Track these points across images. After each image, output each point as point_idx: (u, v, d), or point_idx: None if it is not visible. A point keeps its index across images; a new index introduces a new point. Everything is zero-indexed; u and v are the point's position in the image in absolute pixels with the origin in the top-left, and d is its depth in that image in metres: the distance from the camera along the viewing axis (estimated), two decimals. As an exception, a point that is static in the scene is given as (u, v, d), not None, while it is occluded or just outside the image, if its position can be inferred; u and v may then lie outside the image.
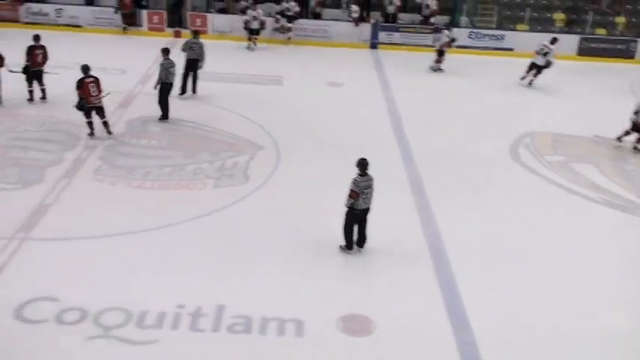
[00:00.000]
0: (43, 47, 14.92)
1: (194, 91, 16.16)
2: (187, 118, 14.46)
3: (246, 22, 20.63)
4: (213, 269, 9.14)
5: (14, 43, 15.82)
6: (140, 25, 21.67)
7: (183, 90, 15.92)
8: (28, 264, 9.04)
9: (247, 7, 21.43)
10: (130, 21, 21.53)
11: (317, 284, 8.94)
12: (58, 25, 21.45)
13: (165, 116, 14.38)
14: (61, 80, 14.99)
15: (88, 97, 12.96)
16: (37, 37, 15.03)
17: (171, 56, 14.40)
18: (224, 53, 18.80)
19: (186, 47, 15.99)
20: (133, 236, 9.85)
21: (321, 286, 8.92)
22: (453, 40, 19.93)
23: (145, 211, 10.58)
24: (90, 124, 13.24)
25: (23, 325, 7.83)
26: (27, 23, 21.24)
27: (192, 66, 15.98)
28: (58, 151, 12.48)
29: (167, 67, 14.27)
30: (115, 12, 21.23)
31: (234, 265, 9.25)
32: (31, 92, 14.98)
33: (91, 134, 13.24)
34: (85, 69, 13.08)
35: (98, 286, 8.62)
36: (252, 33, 20.68)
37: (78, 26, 21.46)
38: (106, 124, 13.37)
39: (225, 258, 9.41)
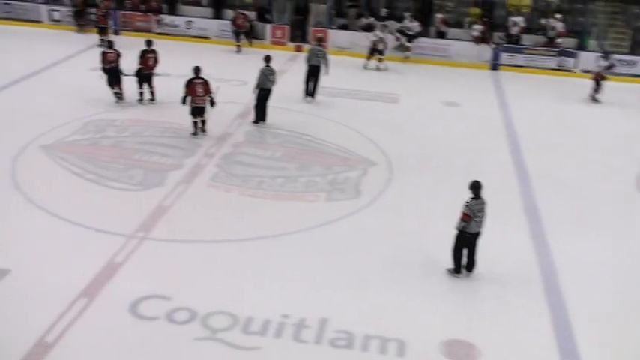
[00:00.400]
0: (154, 52, 15.83)
1: (313, 95, 16.85)
2: (303, 131, 14.69)
3: (374, 43, 20.30)
4: (319, 281, 9.22)
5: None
6: (263, 39, 22.29)
7: (307, 93, 16.87)
8: (145, 262, 9.49)
9: (370, 25, 21.53)
10: (252, 35, 22.13)
11: (422, 306, 8.83)
12: (188, 36, 22.39)
13: (258, 120, 14.93)
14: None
15: (194, 96, 13.68)
16: (149, 43, 16.02)
17: (272, 64, 14.87)
18: (342, 69, 18.94)
19: (311, 55, 16.70)
20: (243, 243, 10.11)
21: (426, 307, 8.80)
22: (611, 65, 18.68)
23: (256, 220, 10.84)
24: (195, 124, 13.95)
25: (137, 319, 8.20)
26: (159, 34, 22.35)
27: (314, 72, 16.69)
28: (180, 157, 13.02)
29: (266, 74, 14.74)
30: (233, 32, 21.75)
31: (341, 279, 9.28)
32: (141, 93, 15.95)
33: (195, 133, 13.93)
34: (196, 70, 13.82)
35: (208, 289, 8.89)
36: (377, 53, 20.41)
37: (206, 38, 22.33)
38: (203, 122, 14.02)
39: (332, 271, 9.47)
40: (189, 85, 13.72)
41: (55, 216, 10.55)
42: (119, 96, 15.76)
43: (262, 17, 22.67)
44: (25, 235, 10.03)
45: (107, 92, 15.87)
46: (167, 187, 11.75)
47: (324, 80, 16.72)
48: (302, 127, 14.92)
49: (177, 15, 23.02)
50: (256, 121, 14.96)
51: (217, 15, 23.03)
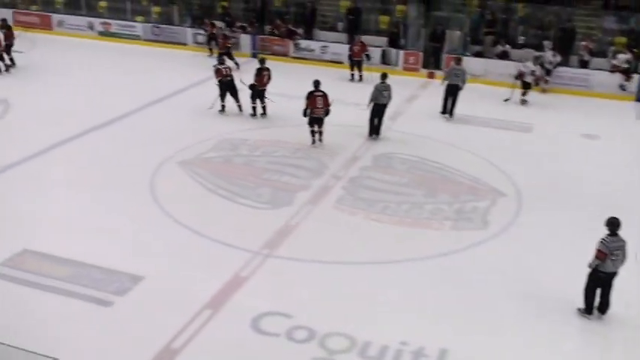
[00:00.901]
0: (268, 69, 16.66)
1: (451, 114, 17.38)
2: (432, 158, 14.53)
3: (521, 74, 19.11)
4: (440, 310, 9.05)
5: (282, 74, 17.63)
6: (395, 65, 22.29)
7: (444, 111, 17.44)
8: (269, 279, 9.70)
9: (505, 52, 20.99)
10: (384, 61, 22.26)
11: (548, 344, 8.45)
12: (323, 60, 22.81)
13: (371, 133, 15.57)
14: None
15: (314, 108, 14.58)
16: (262, 61, 16.90)
17: (387, 81, 15.34)
18: (475, 96, 18.57)
19: (450, 73, 17.32)
20: (365, 266, 10.09)
21: (552, 347, 8.40)
22: None
23: (379, 245, 10.80)
24: (313, 133, 14.85)
25: (258, 334, 8.37)
26: (295, 58, 22.98)
27: (453, 91, 17.22)
28: (308, 178, 13.23)
29: (380, 90, 15.36)
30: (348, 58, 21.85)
31: (462, 311, 9.06)
32: (254, 108, 16.71)
33: (313, 142, 14.84)
34: (316, 84, 14.80)
35: (328, 310, 8.93)
36: (524, 85, 19.25)
37: (339, 63, 22.64)
38: (320, 133, 14.86)
39: (452, 301, 9.26)
40: (310, 97, 14.60)
41: (187, 228, 11.03)
42: (233, 108, 16.59)
43: (395, 43, 22.70)
44: (159, 245, 10.55)
45: (243, 111, 16.63)
46: (294, 207, 11.96)
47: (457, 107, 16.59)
48: (431, 154, 14.76)
49: (313, 40, 23.52)
50: (370, 134, 15.60)
51: (351, 40, 23.26)
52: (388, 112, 15.69)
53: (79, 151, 14.34)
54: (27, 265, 9.72)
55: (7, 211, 11.40)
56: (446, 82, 17.33)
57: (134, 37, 25.08)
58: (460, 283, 9.74)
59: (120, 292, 9.18)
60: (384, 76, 15.52)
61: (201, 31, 23.96)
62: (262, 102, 16.71)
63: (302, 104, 14.69)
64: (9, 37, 20.57)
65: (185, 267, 9.91)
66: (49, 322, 8.51)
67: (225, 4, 25.13)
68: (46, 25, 26.22)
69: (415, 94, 19.16)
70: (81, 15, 26.03)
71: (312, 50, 23.18)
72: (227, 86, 16.78)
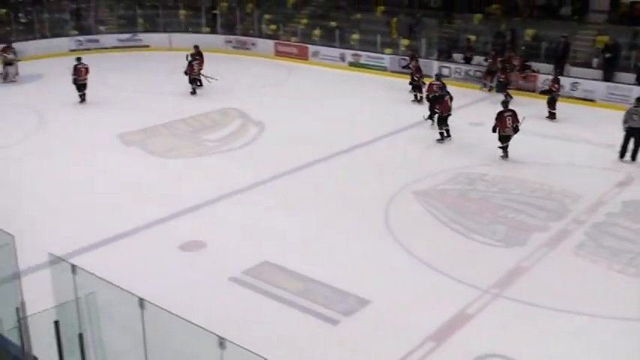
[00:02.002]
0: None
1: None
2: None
3: None
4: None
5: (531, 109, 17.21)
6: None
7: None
8: (496, 319, 9.37)
9: None
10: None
11: None
12: (572, 97, 21.69)
13: (624, 155, 15.69)
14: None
15: (504, 127, 15.66)
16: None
17: None
18: None
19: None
20: (602, 321, 9.32)
21: None
22: None
23: (622, 299, 9.94)
24: (504, 149, 15.80)
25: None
26: (542, 92, 22.13)
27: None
28: (545, 219, 12.64)
29: (631, 113, 15.52)
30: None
31: None
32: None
33: (504, 156, 15.78)
34: (505, 103, 16.00)
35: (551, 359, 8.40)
36: None
37: (591, 100, 21.40)
38: (504, 149, 15.85)
39: None
40: (500, 117, 15.70)
41: (416, 258, 11.08)
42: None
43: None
44: (387, 271, 10.71)
45: (481, 146, 16.43)
46: (529, 248, 11.48)
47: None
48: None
49: (563, 76, 22.45)
50: (621, 156, 15.75)
51: (607, 77, 21.85)
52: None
53: (322, 174, 15.13)
54: (265, 276, 10.41)
55: (254, 224, 12.37)
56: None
57: (381, 68, 26.03)
58: None
59: (347, 312, 9.44)
60: (638, 100, 15.74)
61: (447, 64, 24.05)
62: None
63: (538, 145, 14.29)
64: (201, 63, 22.60)
65: (411, 296, 9.94)
66: (277, 330, 8.99)
67: (473, 37, 25.07)
68: (303, 56, 28.24)
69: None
70: (334, 47, 27.61)
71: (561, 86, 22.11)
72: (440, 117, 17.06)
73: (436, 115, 17.55)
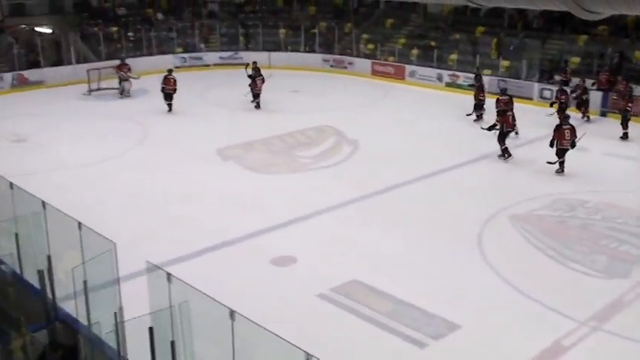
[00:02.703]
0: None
1: None
2: None
3: None
4: None
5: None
6: None
7: None
8: (592, 354, 8.97)
9: None
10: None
11: None
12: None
13: None
14: None
15: (562, 140, 15.82)
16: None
17: None
18: None
19: None
20: None
21: None
22: None
23: None
24: (560, 164, 15.92)
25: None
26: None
27: None
28: (652, 250, 12.04)
29: None
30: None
31: None
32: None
33: (560, 171, 15.93)
34: (566, 118, 16.23)
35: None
36: None
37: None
38: (561, 164, 15.98)
39: None
40: (558, 130, 15.94)
41: (509, 284, 10.79)
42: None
43: None
44: (478, 295, 10.48)
45: (582, 172, 16.03)
46: (631, 280, 10.95)
47: None
48: None
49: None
50: None
51: None
52: None
53: (416, 194, 15.01)
54: (354, 295, 10.39)
55: (345, 241, 12.39)
56: None
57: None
58: None
59: (435, 335, 9.30)
60: None
61: (548, 86, 23.47)
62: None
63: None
64: (263, 80, 23.00)
65: (502, 323, 9.67)
66: (363, 350, 8.97)
67: (576, 60, 24.29)
68: (399, 75, 28.17)
69: None
70: (431, 67, 27.44)
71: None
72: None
73: (496, 130, 17.48)
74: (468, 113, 21.38)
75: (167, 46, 30.55)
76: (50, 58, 27.65)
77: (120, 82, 24.91)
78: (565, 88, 21.65)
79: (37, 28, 28.50)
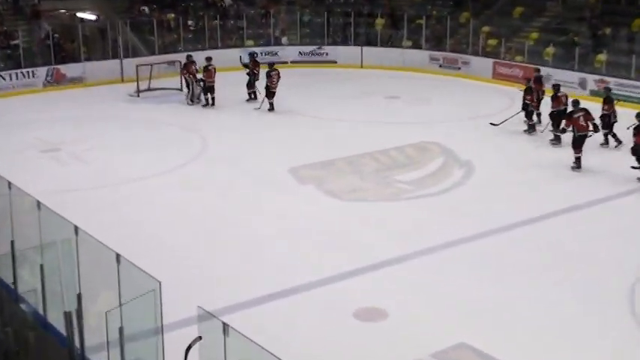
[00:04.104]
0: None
1: None
2: None
3: None
4: None
5: None
6: None
7: None
8: None
9: None
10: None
11: None
12: None
13: None
14: None
15: (579, 127, 18.12)
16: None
17: None
18: None
19: None
20: None
21: None
22: None
23: None
24: (578, 159, 18.13)
25: None
26: None
27: None
28: None
29: None
30: None
31: None
32: None
33: (577, 167, 18.15)
34: (575, 103, 18.75)
35: None
36: None
37: None
38: (578, 159, 18.13)
39: None
40: (570, 117, 18.43)
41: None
42: None
43: None
44: None
45: None
46: None
47: None
48: None
49: None
50: None
51: None
52: None
53: (543, 236, 14.60)
54: (464, 363, 10.19)
55: (450, 294, 12.19)
56: None
57: (636, 100, 24.66)
58: None
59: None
60: None
61: None
62: None
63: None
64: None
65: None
66: None
67: None
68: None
69: None
70: (572, 70, 27.01)
71: None
72: None
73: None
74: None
75: (235, 39, 31.16)
76: (93, 50, 28.81)
77: (188, 85, 25.29)
78: None
79: (79, 14, 29.66)
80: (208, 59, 24.09)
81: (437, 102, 25.12)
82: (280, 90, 24.48)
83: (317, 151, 19.67)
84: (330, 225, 15.08)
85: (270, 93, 23.74)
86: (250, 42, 31.37)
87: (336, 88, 27.29)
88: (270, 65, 24.23)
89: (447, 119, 23.18)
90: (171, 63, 26.90)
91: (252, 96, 24.88)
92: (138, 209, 15.75)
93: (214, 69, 23.76)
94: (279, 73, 23.75)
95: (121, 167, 18.46)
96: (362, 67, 29.28)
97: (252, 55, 25.90)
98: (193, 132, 21.64)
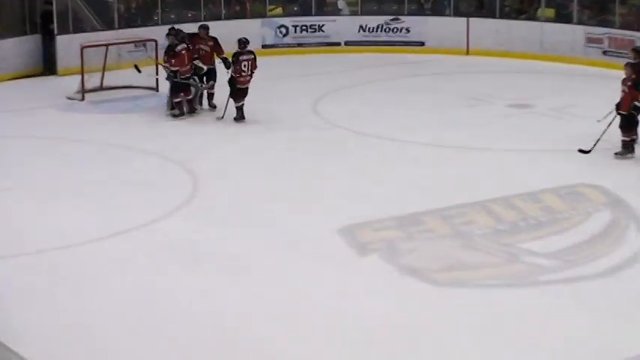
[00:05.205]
0: None
1: None
2: None
3: None
4: None
5: None
6: None
7: None
8: None
9: None
10: None
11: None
12: None
13: None
14: None
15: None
16: None
17: None
18: None
19: None
20: None
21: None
22: None
23: None
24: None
25: None
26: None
27: None
28: None
29: None
30: None
31: None
32: None
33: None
34: None
35: None
36: None
37: None
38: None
39: None
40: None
41: None
42: None
43: None
44: None
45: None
46: None
47: None
48: None
49: None
50: None
51: None
52: None
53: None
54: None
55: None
56: None
57: None
58: None
59: None
60: None
61: None
62: None
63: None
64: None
65: None
66: None
67: None
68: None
69: None
70: None
71: None
72: None
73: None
74: None
75: (252, 4, 28.50)
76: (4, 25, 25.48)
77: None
78: None
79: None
80: (243, 43, 20.44)
81: (598, 114, 21.36)
82: (317, 91, 22.40)
83: (388, 198, 16.26)
84: (414, 329, 11.78)
85: (237, 91, 20.78)
86: (277, 9, 28.23)
87: (422, 90, 24.17)
88: (242, 45, 20.87)
89: (616, 146, 19.61)
90: (141, 44, 23.85)
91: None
92: (78, 294, 12.51)
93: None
94: (255, 58, 20.71)
95: (55, 221, 15.00)
96: (468, 53, 26.97)
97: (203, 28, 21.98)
98: (179, 165, 18.23)
